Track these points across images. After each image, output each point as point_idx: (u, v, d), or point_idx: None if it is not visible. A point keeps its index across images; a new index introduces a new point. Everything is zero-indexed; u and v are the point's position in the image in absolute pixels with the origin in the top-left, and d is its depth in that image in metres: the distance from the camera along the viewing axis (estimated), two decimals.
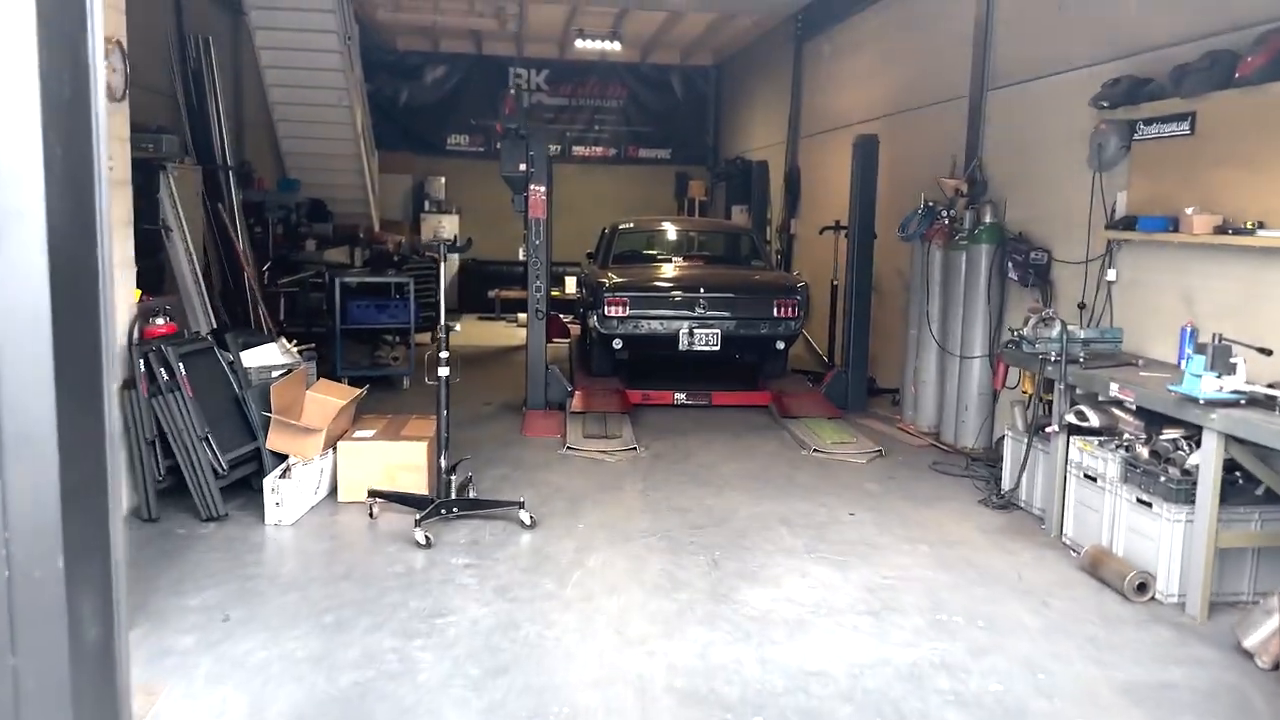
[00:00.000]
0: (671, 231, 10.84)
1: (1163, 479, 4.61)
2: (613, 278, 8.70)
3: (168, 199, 7.36)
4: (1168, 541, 4.57)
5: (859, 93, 10.34)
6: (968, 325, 7.31)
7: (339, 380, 9.07)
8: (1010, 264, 6.91)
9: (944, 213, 7.68)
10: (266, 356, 5.97)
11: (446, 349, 5.52)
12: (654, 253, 10.30)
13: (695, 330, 8.37)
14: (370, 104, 16.13)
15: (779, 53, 13.17)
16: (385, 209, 16.11)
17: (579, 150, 16.99)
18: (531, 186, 8.26)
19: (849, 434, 7.57)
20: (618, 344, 8.46)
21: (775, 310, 8.46)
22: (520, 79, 16.67)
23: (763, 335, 8.51)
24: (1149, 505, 4.69)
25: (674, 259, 9.74)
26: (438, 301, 12.07)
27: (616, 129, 17.01)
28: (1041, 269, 6.70)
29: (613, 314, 8.36)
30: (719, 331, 8.39)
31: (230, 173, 9.95)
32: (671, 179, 17.02)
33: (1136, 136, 5.62)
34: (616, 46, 14.48)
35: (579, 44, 14.55)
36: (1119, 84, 5.60)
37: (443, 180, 16.52)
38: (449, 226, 16.28)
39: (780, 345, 8.60)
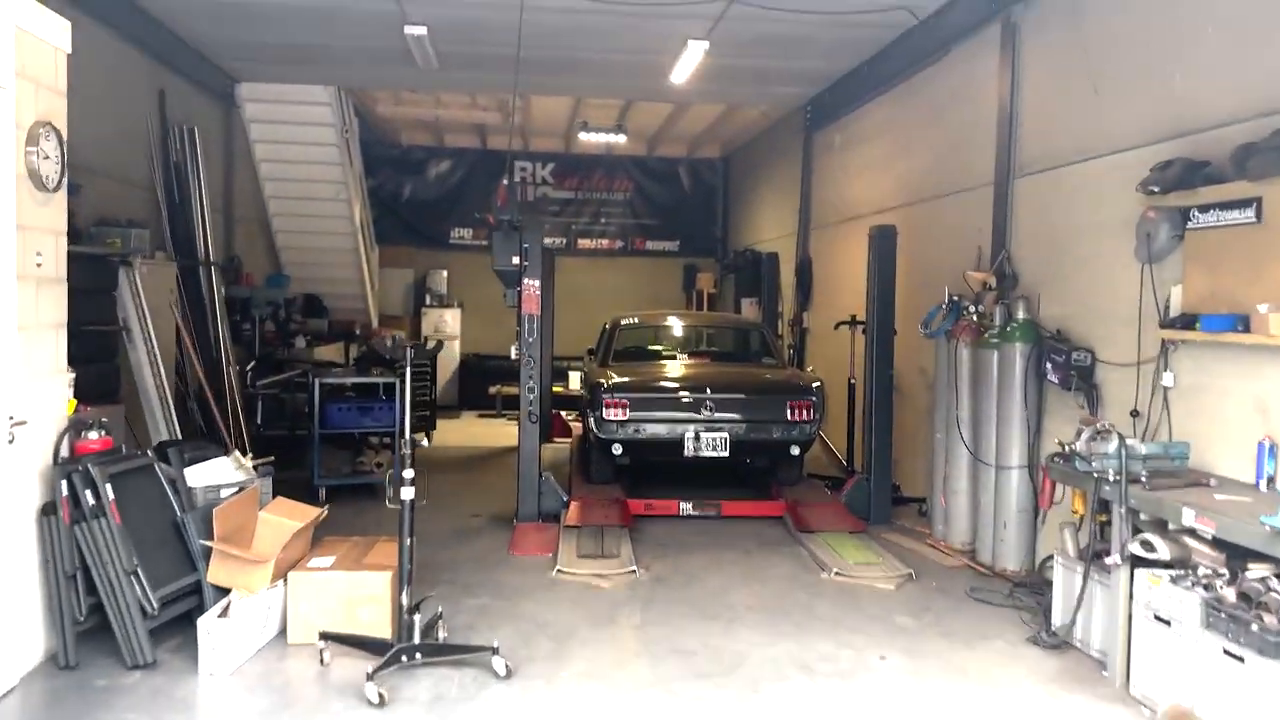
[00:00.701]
0: (677, 327, 10.26)
1: (1256, 628, 3.84)
2: (612, 377, 8.08)
3: (129, 297, 6.81)
4: (1268, 705, 3.78)
5: (873, 182, 9.86)
6: (1003, 431, 6.60)
7: (318, 490, 8.45)
8: (1049, 365, 6.24)
9: (971, 308, 7.06)
10: (217, 473, 5.31)
11: (411, 466, 4.80)
12: (658, 349, 9.70)
13: (702, 434, 7.69)
14: (373, 199, 15.86)
15: (788, 143, 12.79)
16: (386, 304, 15.68)
17: (585, 243, 16.60)
18: (525, 281, 7.70)
19: (874, 553, 6.79)
20: (617, 449, 7.78)
21: (789, 413, 7.78)
22: (525, 172, 16.40)
23: (776, 440, 7.82)
24: (1240, 660, 3.91)
25: (679, 356, 9.14)
26: (430, 400, 11.54)
27: (623, 221, 16.65)
28: (1085, 371, 6.03)
29: (611, 417, 7.70)
30: (728, 436, 7.71)
31: (213, 268, 9.46)
32: (680, 271, 16.58)
33: (1191, 225, 5.00)
34: (622, 139, 14.18)
35: (584, 137, 14.26)
36: (1170, 167, 5.01)
37: (445, 274, 16.11)
38: (451, 321, 15.82)
39: (795, 451, 7.91)
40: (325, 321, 13.73)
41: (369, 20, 8.58)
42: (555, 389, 12.90)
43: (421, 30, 8.67)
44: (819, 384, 8.12)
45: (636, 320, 9.74)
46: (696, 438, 7.68)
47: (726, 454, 7.72)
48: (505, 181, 7.34)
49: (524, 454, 7.66)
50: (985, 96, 7.45)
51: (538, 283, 7.74)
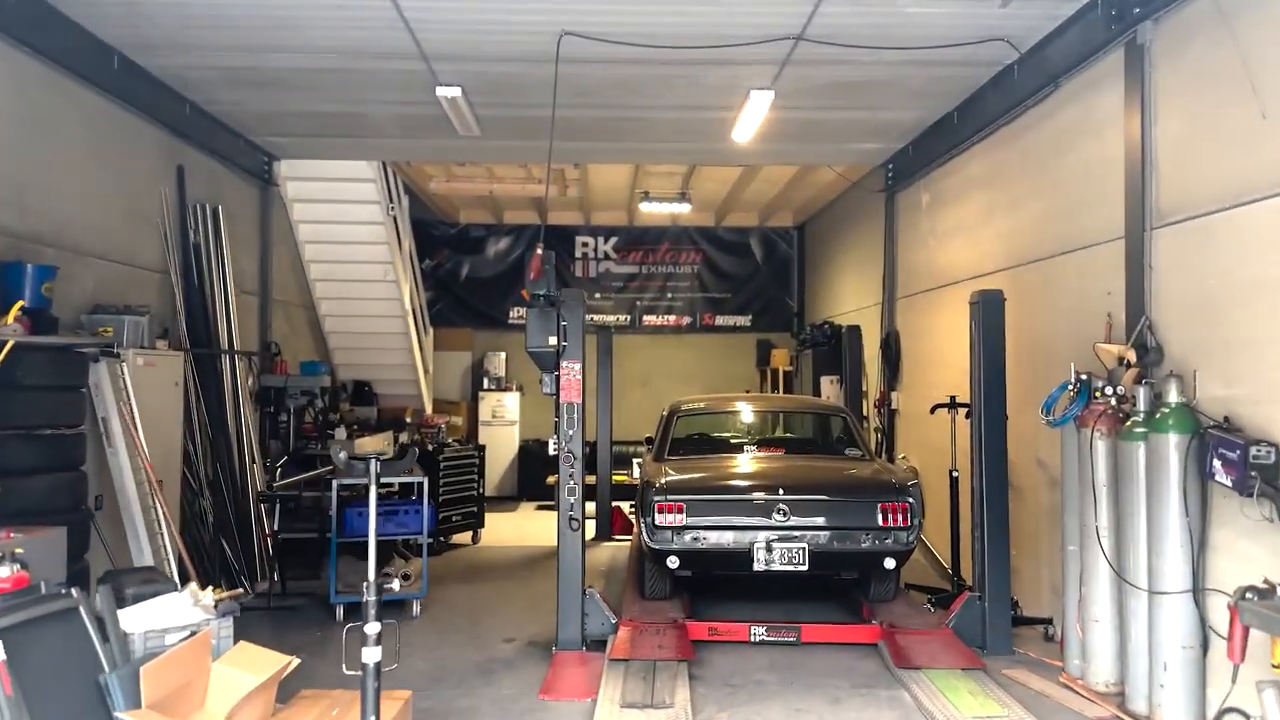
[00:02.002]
0: (745, 412, 9.00)
1: None
2: (666, 474, 6.89)
3: (110, 393, 5.94)
4: None
5: (969, 244, 8.61)
6: (1156, 546, 5.20)
7: (335, 608, 7.39)
8: (1217, 462, 4.85)
9: (1105, 389, 5.72)
10: (163, 614, 4.27)
11: (377, 619, 3.68)
12: (723, 439, 8.45)
13: (775, 544, 6.43)
14: (431, 279, 15.21)
15: (868, 206, 11.63)
16: (440, 388, 14.86)
17: (651, 319, 15.59)
18: (564, 364, 6.64)
19: (996, 701, 5.37)
20: (673, 562, 6.55)
21: (881, 517, 6.48)
22: (586, 247, 15.56)
23: (865, 551, 6.51)
24: None
25: (748, 448, 7.85)
26: (476, 495, 10.48)
27: (691, 296, 15.61)
28: (1268, 471, 4.63)
29: (665, 523, 6.50)
30: (806, 546, 6.43)
31: (235, 357, 8.66)
32: (752, 348, 15.40)
33: None
34: (686, 208, 13.23)
35: (645, 207, 13.37)
36: None
37: (503, 356, 15.24)
38: (509, 405, 14.88)
39: (890, 564, 6.55)
40: (374, 410, 12.92)
41: (399, 83, 7.82)
42: (618, 477, 11.78)
43: (455, 91, 7.87)
44: (916, 482, 6.79)
45: (698, 405, 8.54)
46: (768, 548, 6.41)
47: (805, 567, 6.43)
48: (539, 250, 6.29)
49: (563, 567, 6.50)
50: (1107, 135, 6.22)
51: (579, 366, 6.68)
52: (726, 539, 6.49)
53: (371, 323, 12.51)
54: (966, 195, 8.72)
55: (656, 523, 6.48)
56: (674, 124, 9.10)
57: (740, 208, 14.81)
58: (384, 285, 12.05)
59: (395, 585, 7.63)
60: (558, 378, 6.67)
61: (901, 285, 10.52)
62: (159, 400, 6.93)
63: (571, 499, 6.56)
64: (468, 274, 15.51)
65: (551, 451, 6.70)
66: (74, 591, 4.01)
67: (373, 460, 3.85)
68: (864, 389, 11.43)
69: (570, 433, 6.63)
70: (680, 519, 6.47)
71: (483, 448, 11.03)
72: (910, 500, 6.56)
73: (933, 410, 7.99)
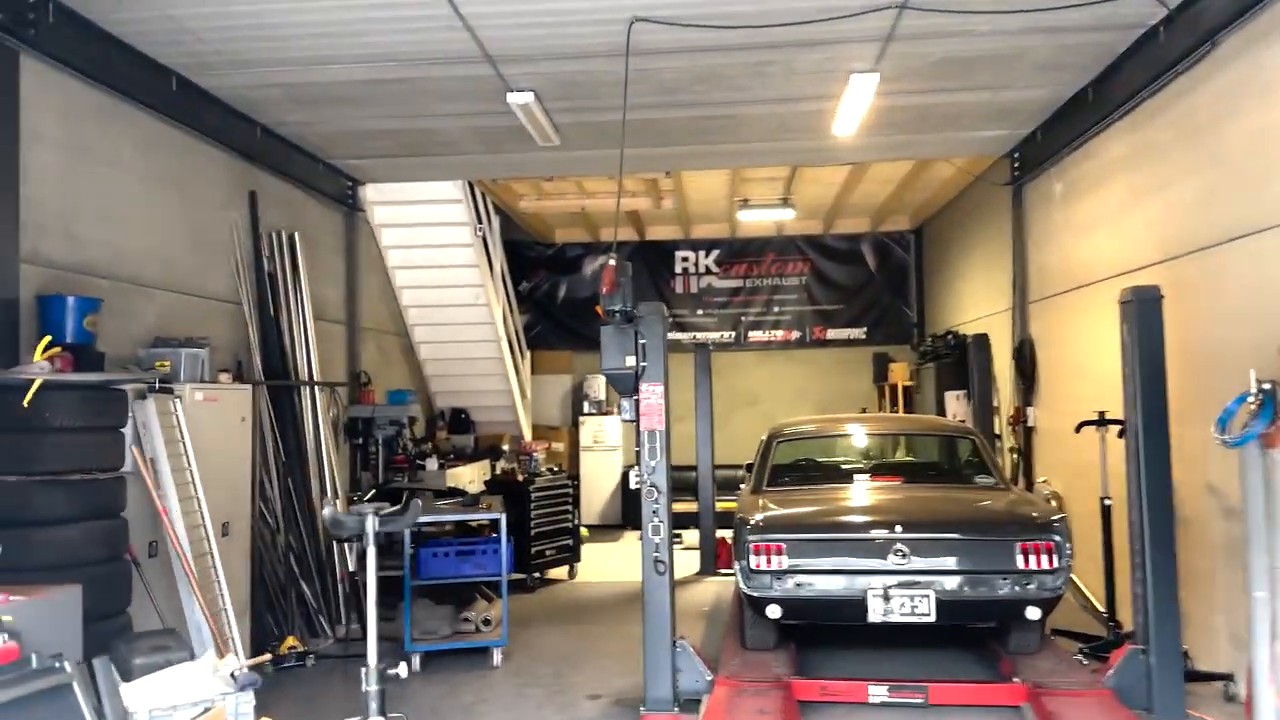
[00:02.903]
0: (857, 435, 8.01)
1: None
2: (764, 510, 6.06)
3: (158, 432, 5.55)
4: None
5: (1113, 235, 7.51)
6: None
7: (409, 657, 6.83)
8: None
9: None
10: (176, 686, 3.74)
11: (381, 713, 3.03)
12: (832, 466, 7.54)
13: (894, 592, 5.52)
14: (528, 302, 14.81)
15: (992, 202, 10.55)
16: (540, 414, 14.39)
17: (757, 335, 14.73)
18: (644, 386, 5.93)
19: None
20: (774, 611, 5.70)
21: (1022, 558, 5.50)
22: (687, 261, 14.85)
23: (1003, 600, 5.53)
24: None
25: (860, 477, 6.89)
26: (572, 528, 9.83)
27: (800, 309, 14.68)
28: None
29: (763, 566, 5.68)
30: (932, 594, 5.49)
31: (314, 388, 8.29)
32: (868, 362, 14.35)
33: None
34: (789, 215, 12.37)
35: (744, 217, 12.57)
36: None
37: (603, 379, 14.62)
38: (610, 430, 14.25)
39: (1034, 614, 5.55)
40: (471, 438, 12.52)
41: (468, 91, 7.32)
42: (724, 504, 10.96)
43: (527, 97, 7.31)
44: (1062, 516, 5.75)
45: (802, 429, 7.63)
46: (885, 596, 5.51)
47: (930, 618, 5.50)
48: (612, 260, 5.60)
49: (650, 616, 5.75)
50: (1278, 96, 5.15)
51: (661, 388, 5.95)
52: (836, 585, 5.62)
53: (465, 348, 12.12)
54: (1106, 181, 7.62)
55: (752, 565, 5.66)
56: (767, 120, 8.31)
57: (849, 212, 13.85)
58: (476, 309, 11.65)
59: (488, 622, 7.05)
60: (637, 402, 5.95)
61: (1034, 288, 9.40)
62: (223, 437, 6.55)
63: (656, 538, 5.82)
64: (565, 294, 15.02)
65: (633, 484, 5.98)
66: (68, 665, 3.51)
67: (369, 517, 3.21)
68: (995, 404, 10.31)
69: (653, 463, 5.89)
70: (781, 561, 5.63)
71: (576, 477, 10.41)
72: (1056, 538, 5.55)
73: (1079, 428, 6.92)
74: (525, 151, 8.99)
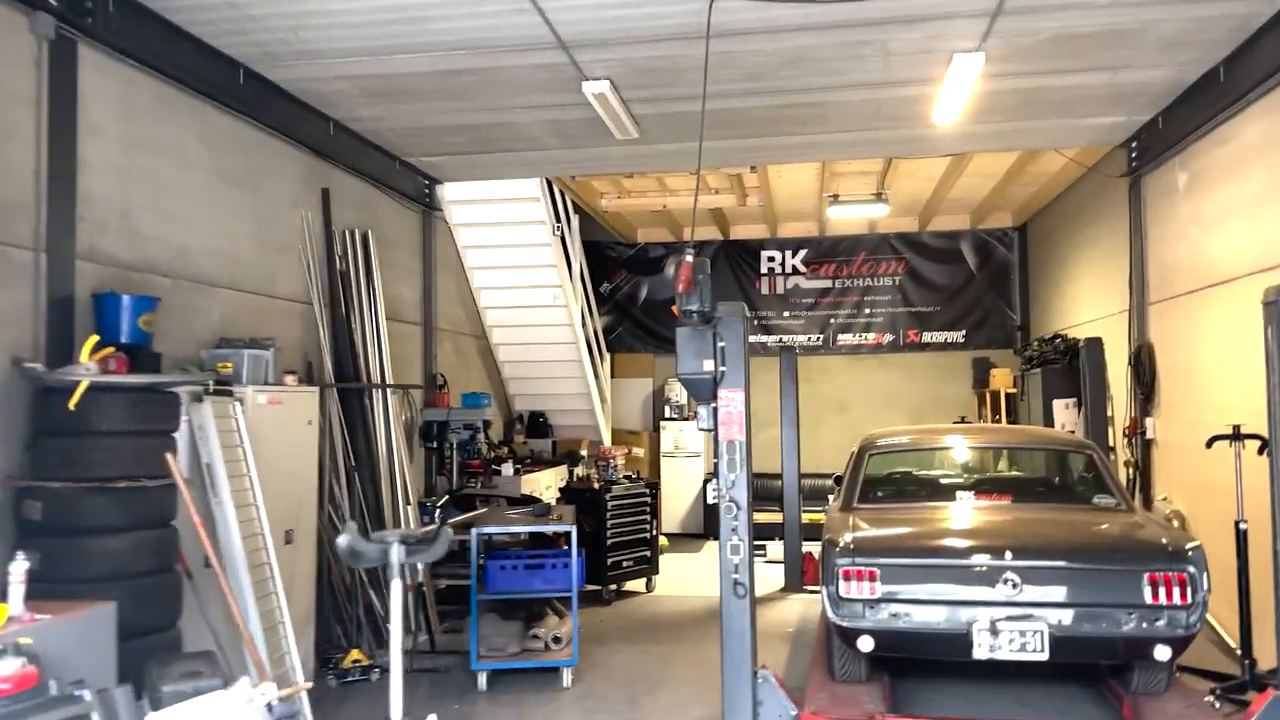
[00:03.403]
0: (959, 448, 7.35)
1: None
2: (855, 530, 5.53)
3: (215, 436, 5.32)
4: None
5: (1248, 230, 6.74)
6: None
7: (476, 675, 6.50)
8: None
9: None
10: (205, 717, 3.44)
11: None
12: (932, 484, 6.91)
13: (1001, 626, 4.93)
14: (609, 303, 14.49)
15: (1106, 196, 9.76)
16: (620, 418, 14.04)
17: (846, 339, 14.08)
18: (723, 392, 5.47)
19: None
20: (865, 644, 5.17)
21: (1150, 591, 4.86)
22: (773, 261, 14.29)
23: (1128, 638, 4.89)
24: None
25: (963, 495, 6.26)
26: (649, 538, 9.41)
27: (893, 311, 13.97)
28: None
29: (853, 594, 5.15)
30: (1045, 629, 4.89)
31: (386, 390, 8.07)
32: (967, 367, 13.58)
33: None
34: (883, 211, 11.73)
35: (834, 214, 11.96)
36: None
37: None
38: (692, 435, 13.79)
39: (1163, 654, 4.89)
40: (549, 442, 12.24)
41: (542, 82, 6.98)
42: (811, 516, 10.42)
43: (603, 86, 6.93)
44: (1197, 544, 5.07)
45: (898, 441, 7.02)
46: (993, 630, 4.92)
47: (1043, 656, 4.90)
48: (688, 256, 5.15)
49: (728, 644, 5.28)
50: None
51: (741, 395, 5.48)
52: (936, 617, 5.06)
53: (543, 350, 11.84)
54: (1241, 168, 6.85)
55: (842, 593, 5.14)
56: (861, 108, 7.76)
57: (948, 209, 13.11)
58: (554, 310, 11.35)
59: (559, 640, 6.68)
60: (715, 410, 5.50)
61: (1154, 288, 8.61)
62: (288, 441, 6.33)
63: (735, 558, 5.35)
64: (646, 296, 14.62)
65: (710, 499, 5.53)
66: (87, 693, 3.24)
67: (394, 547, 2.82)
68: (1109, 414, 9.51)
69: (732, 476, 5.43)
70: (874, 589, 5.10)
71: (656, 484, 9.99)
72: (1190, 568, 4.88)
73: (1210, 443, 6.19)
74: (603, 146, 8.63)
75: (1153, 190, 8.58)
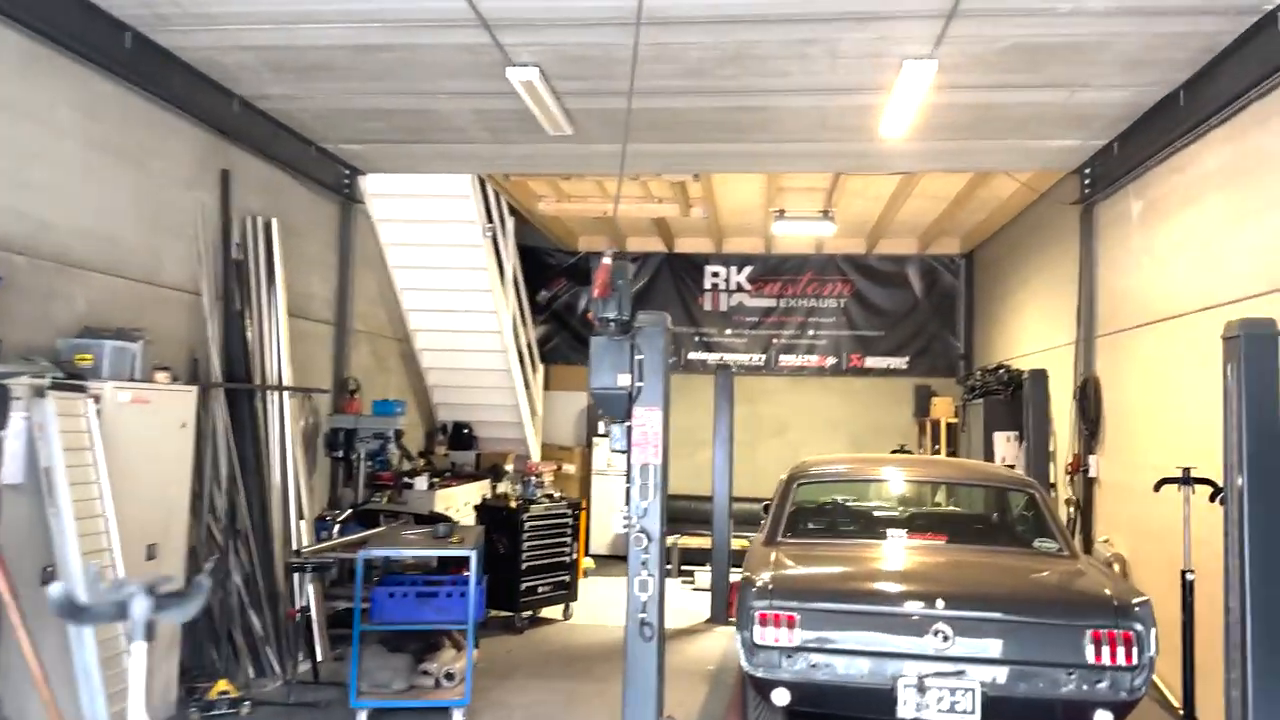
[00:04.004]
0: (895, 481, 6.90)
1: None
2: (775, 568, 5.02)
3: (56, 438, 4.66)
4: None
5: (1203, 264, 6.41)
6: None
7: (355, 714, 5.87)
8: None
9: None
10: None
11: None
12: (862, 516, 6.45)
13: (930, 683, 4.46)
14: (545, 312, 13.93)
15: (1057, 224, 9.47)
16: (552, 432, 13.46)
17: (788, 360, 13.67)
18: (638, 411, 4.96)
19: None
20: (781, 697, 4.66)
21: (1093, 650, 4.42)
22: (717, 277, 13.86)
23: (1067, 701, 4.43)
24: None
25: (895, 533, 5.77)
26: (569, 562, 8.83)
27: (837, 333, 13.60)
28: None
29: (769, 640, 4.64)
30: (976, 689, 4.42)
31: (283, 393, 7.42)
32: (909, 395, 13.25)
33: None
34: (829, 230, 11.34)
35: (780, 230, 11.54)
36: None
37: None
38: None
39: (1104, 719, 4.44)
40: (472, 455, 11.61)
41: (465, 65, 6.44)
42: (743, 541, 9.94)
43: (531, 74, 6.40)
44: (1145, 600, 4.64)
45: (829, 470, 6.54)
46: (920, 688, 4.45)
47: (975, 718, 4.42)
48: (606, 259, 4.62)
49: (630, 692, 4.75)
50: None
51: (659, 414, 4.98)
52: (859, 669, 4.56)
53: (471, 358, 11.22)
54: (1198, 199, 6.53)
55: (757, 639, 4.62)
56: (807, 115, 7.33)
57: (895, 232, 12.78)
58: (484, 316, 10.75)
59: (452, 676, 6.06)
60: (629, 429, 4.99)
61: (1103, 320, 8.29)
62: (156, 445, 5.67)
63: (644, 596, 4.83)
64: (585, 307, 14.07)
65: (622, 526, 5.00)
66: None
67: (137, 598, 2.21)
68: (1051, 449, 9.18)
69: (644, 504, 4.92)
70: (792, 636, 4.59)
71: (578, 504, 9.42)
72: (1137, 626, 4.45)
73: (1159, 486, 5.81)
74: (536, 143, 8.10)
75: (1105, 219, 8.27)
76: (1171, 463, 6.48)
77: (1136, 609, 4.51)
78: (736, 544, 9.87)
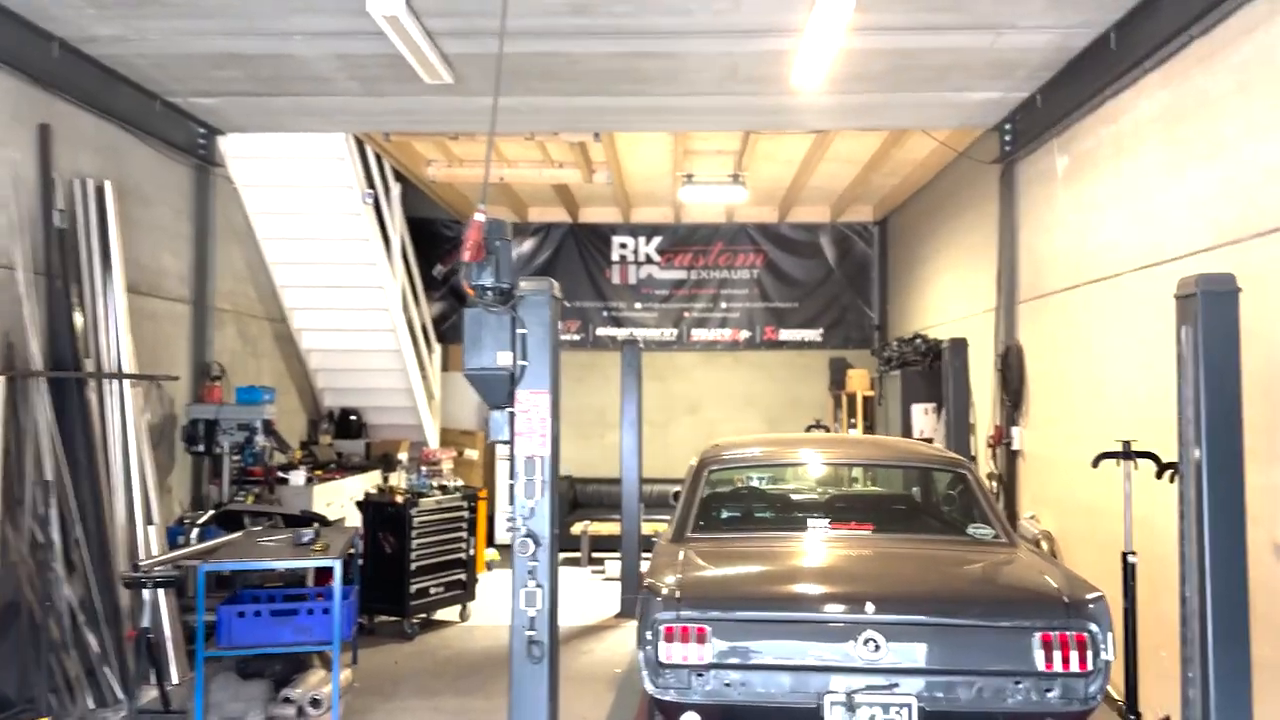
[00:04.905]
0: (814, 465, 6.26)
1: None
2: (683, 570, 4.36)
3: None
4: None
5: (1139, 219, 5.95)
6: None
7: None
8: None
9: None
10: None
11: None
12: (783, 504, 5.83)
13: (861, 699, 3.86)
14: (442, 288, 13.03)
15: (974, 186, 9.03)
16: (454, 417, 12.61)
17: (701, 334, 13.07)
18: (522, 395, 4.24)
19: None
20: None
21: (1044, 655, 3.89)
22: (625, 249, 13.15)
23: (1014, 713, 3.89)
24: None
25: (816, 523, 5.06)
26: (466, 560, 8.05)
27: (750, 305, 13.04)
28: None
29: (675, 658, 3.98)
30: (912, 704, 3.84)
31: (123, 381, 6.45)
32: (824, 368, 12.79)
33: None
34: (740, 196, 10.71)
35: (689, 196, 10.86)
36: None
37: None
38: None
39: None
40: (362, 444, 10.71)
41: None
42: (655, 525, 9.35)
43: (395, 6, 5.54)
44: (1099, 595, 4.11)
45: (745, 453, 5.88)
46: (849, 705, 3.84)
47: None
48: (478, 215, 3.83)
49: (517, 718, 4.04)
50: None
51: (547, 399, 4.26)
52: (780, 686, 3.94)
53: (356, 338, 10.31)
54: (1131, 150, 6.07)
55: (662, 657, 3.96)
56: (714, 64, 6.65)
57: (808, 199, 12.24)
58: (369, 292, 9.84)
59: (318, 703, 5.27)
60: (512, 416, 4.25)
61: (1025, 285, 7.86)
62: None
63: (532, 611, 4.12)
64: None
65: (505, 532, 4.28)
66: None
67: None
68: (971, 421, 8.76)
69: (531, 503, 4.20)
70: (703, 652, 3.94)
71: (476, 494, 8.64)
72: (1092, 626, 3.93)
73: (1097, 461, 5.34)
74: (414, 95, 7.26)
75: (1027, 177, 7.82)
76: (1101, 434, 6.06)
77: (1090, 606, 3.98)
78: (648, 528, 9.26)
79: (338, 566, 5.05)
